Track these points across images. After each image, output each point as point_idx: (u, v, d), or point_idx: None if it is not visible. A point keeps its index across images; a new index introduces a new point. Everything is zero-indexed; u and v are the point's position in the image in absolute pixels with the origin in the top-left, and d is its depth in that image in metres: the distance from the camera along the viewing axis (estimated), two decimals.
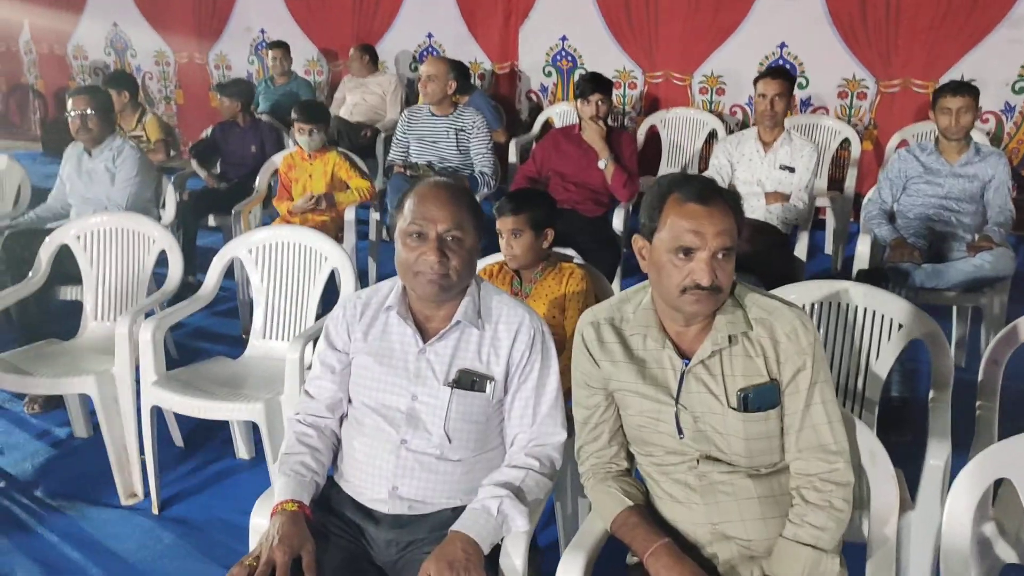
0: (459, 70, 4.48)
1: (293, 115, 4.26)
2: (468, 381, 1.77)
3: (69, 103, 3.75)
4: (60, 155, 8.31)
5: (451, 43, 6.74)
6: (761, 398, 1.58)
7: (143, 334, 2.74)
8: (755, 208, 3.85)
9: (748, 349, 1.60)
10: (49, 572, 2.53)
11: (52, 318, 3.52)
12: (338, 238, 4.17)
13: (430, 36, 6.85)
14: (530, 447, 1.79)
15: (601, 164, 4.13)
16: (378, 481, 1.78)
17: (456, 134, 4.44)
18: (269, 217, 4.95)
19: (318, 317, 2.97)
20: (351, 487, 1.84)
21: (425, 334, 1.82)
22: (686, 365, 1.62)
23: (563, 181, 4.34)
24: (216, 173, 5.05)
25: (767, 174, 3.93)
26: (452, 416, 1.77)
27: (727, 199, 1.58)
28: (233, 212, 4.28)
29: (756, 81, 3.95)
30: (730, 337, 1.60)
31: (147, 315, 2.90)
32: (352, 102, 6.46)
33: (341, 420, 1.91)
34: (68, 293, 3.51)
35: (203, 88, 7.77)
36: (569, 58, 6.40)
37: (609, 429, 1.75)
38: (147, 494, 2.88)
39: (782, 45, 5.73)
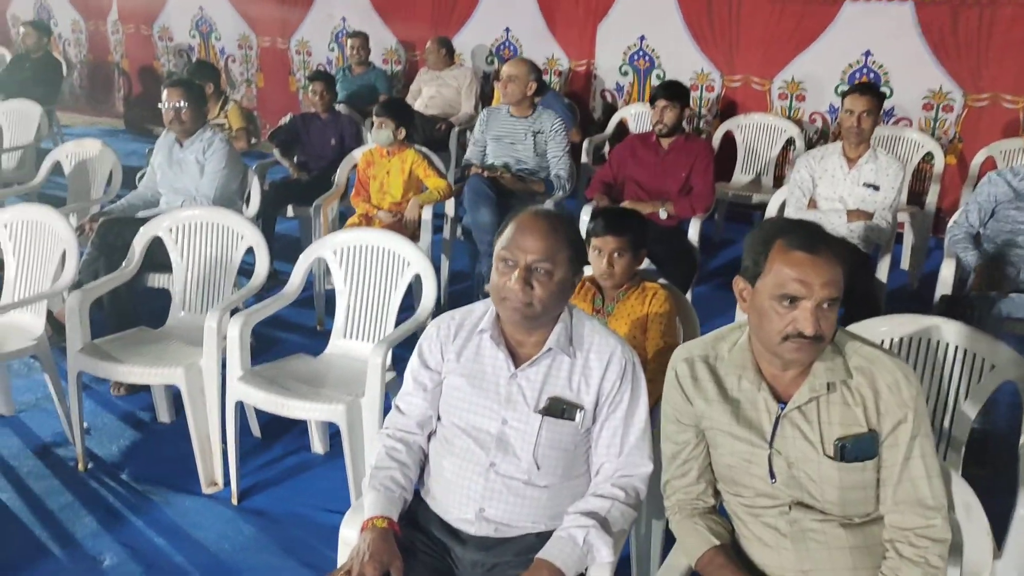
0: (536, 72, 4.48)
1: (375, 109, 4.31)
2: (558, 409, 1.80)
3: (164, 94, 3.86)
4: (141, 132, 8.68)
5: (528, 39, 6.74)
6: (859, 448, 1.57)
7: (231, 330, 2.82)
8: (836, 226, 3.78)
9: (847, 397, 1.59)
10: (136, 557, 2.63)
11: (141, 304, 3.63)
12: (414, 236, 4.23)
13: (507, 31, 6.86)
14: (616, 477, 1.81)
15: (662, 214, 4.13)
16: (466, 502, 1.82)
17: (534, 136, 4.45)
18: (346, 209, 5.03)
19: (398, 321, 3.02)
20: (438, 505, 1.88)
21: (517, 359, 1.84)
22: (782, 409, 1.62)
23: (638, 188, 4.34)
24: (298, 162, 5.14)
25: (850, 191, 3.86)
26: (541, 443, 1.80)
27: (834, 248, 1.56)
28: (313, 206, 4.36)
29: (844, 96, 3.88)
30: (828, 384, 1.59)
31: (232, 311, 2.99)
32: (428, 95, 6.51)
33: (429, 437, 1.95)
34: (156, 280, 3.62)
35: (283, 73, 7.91)
36: (646, 58, 6.35)
37: (698, 466, 1.76)
38: (227, 483, 2.98)
39: (867, 53, 5.59)
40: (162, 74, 8.54)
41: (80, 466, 3.09)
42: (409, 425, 1.94)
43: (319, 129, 5.09)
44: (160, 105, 3.87)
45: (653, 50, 6.31)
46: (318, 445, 3.22)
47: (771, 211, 4.16)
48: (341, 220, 4.96)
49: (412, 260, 2.99)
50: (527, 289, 1.73)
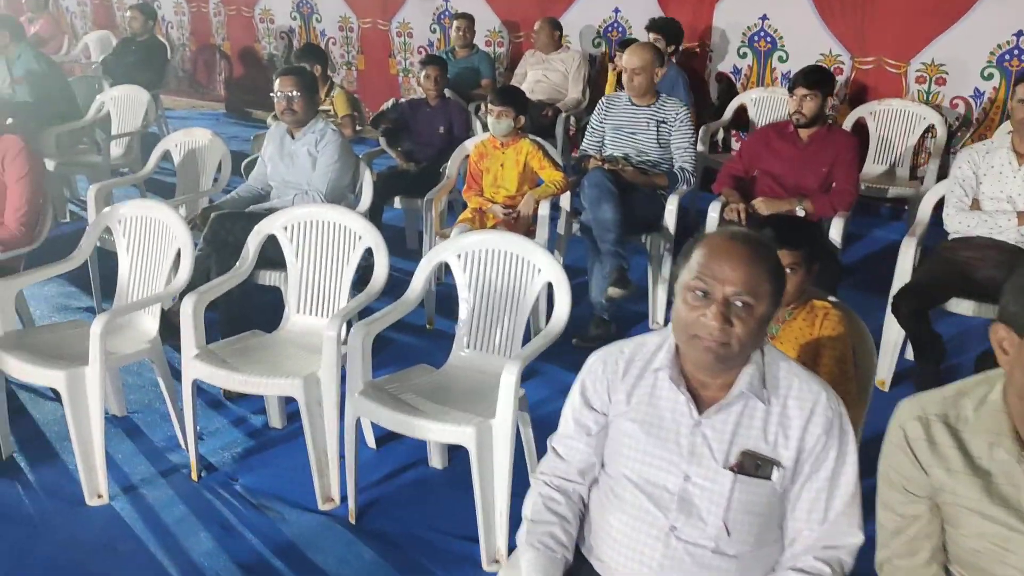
0: (661, 58, 4.17)
1: (489, 96, 4.08)
2: (752, 465, 1.54)
3: (276, 83, 3.71)
4: (241, 116, 8.67)
5: (639, 19, 6.38)
6: None
7: (352, 340, 2.65)
8: (1004, 229, 3.39)
9: None
10: None
11: (251, 301, 3.50)
12: (529, 232, 3.99)
13: (616, 11, 6.54)
14: (819, 549, 1.54)
15: (800, 212, 3.78)
16: (641, 569, 1.58)
17: (657, 126, 4.15)
18: (454, 201, 4.84)
19: (528, 331, 2.80)
20: (605, 568, 1.64)
21: (700, 403, 1.59)
22: None
23: (773, 182, 4.01)
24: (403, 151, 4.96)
25: (1020, 190, 3.46)
26: (734, 505, 1.54)
27: None
28: (424, 200, 4.16)
29: (1016, 85, 3.46)
30: None
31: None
32: (534, 79, 6.25)
33: (590, 485, 1.72)
34: (267, 278, 3.48)
35: (383, 54, 7.76)
36: (768, 39, 5.95)
37: (931, 546, 1.47)
38: (343, 499, 2.82)
39: (1019, 33, 5.09)
40: (262, 57, 8.50)
41: (193, 475, 2.97)
42: (569, 472, 1.71)
43: (427, 117, 4.89)
44: (272, 94, 3.71)
45: (775, 30, 5.91)
46: (436, 460, 3.04)
47: (926, 209, 3.77)
48: (450, 213, 4.78)
49: (544, 267, 2.75)
50: (726, 327, 1.47)
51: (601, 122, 4.32)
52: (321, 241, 3.13)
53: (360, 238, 3.06)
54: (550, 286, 2.74)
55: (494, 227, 3.99)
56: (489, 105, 4.05)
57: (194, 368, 2.83)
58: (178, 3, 8.83)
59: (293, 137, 3.79)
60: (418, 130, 4.91)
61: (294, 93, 3.68)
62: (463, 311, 2.91)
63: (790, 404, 1.55)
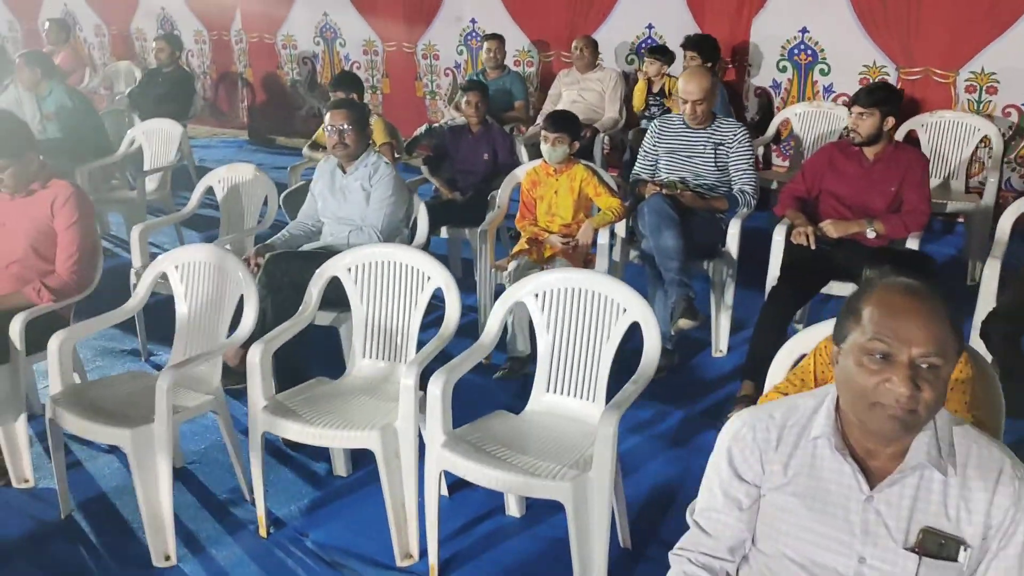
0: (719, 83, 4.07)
1: (542, 124, 3.96)
2: (936, 545, 1.39)
3: (327, 117, 3.60)
4: (264, 143, 8.58)
5: (674, 35, 6.27)
6: None
7: (432, 389, 2.51)
8: None
9: None
10: None
11: (308, 345, 3.37)
12: (587, 262, 3.87)
13: (650, 27, 6.44)
14: None
15: (870, 233, 3.64)
16: None
17: (715, 148, 4.03)
18: (501, 230, 4.71)
19: (613, 375, 2.66)
20: None
21: (869, 475, 1.45)
22: None
23: (838, 203, 3.86)
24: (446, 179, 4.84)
25: None
26: None
27: None
28: (479, 231, 4.03)
29: None
30: None
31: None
32: (569, 99, 6.14)
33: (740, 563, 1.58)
34: (323, 318, 3.35)
35: (409, 78, 7.66)
36: (808, 51, 5.83)
37: None
38: (422, 553, 2.69)
39: None
40: (285, 83, 8.42)
41: (262, 531, 2.84)
42: (717, 549, 1.57)
43: (470, 143, 4.78)
44: (323, 128, 3.60)
45: (816, 43, 5.79)
46: (514, 508, 2.90)
47: (1005, 226, 3.64)
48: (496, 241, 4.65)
49: (630, 306, 2.62)
50: (915, 393, 1.33)
51: (654, 146, 4.20)
52: (388, 282, 3.01)
53: (429, 278, 2.93)
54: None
55: (552, 257, 3.87)
56: (543, 132, 3.92)
57: (264, 421, 2.70)
58: (198, 31, 8.76)
59: (344, 171, 3.68)
60: (461, 157, 4.79)
61: (345, 126, 3.57)
62: (542, 353, 2.78)
63: (970, 473, 1.41)
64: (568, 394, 2.74)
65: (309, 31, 8.09)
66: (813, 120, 5.55)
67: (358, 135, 3.61)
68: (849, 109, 3.88)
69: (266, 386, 2.76)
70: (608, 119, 6.05)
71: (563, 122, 3.92)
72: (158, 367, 3.97)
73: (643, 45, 6.46)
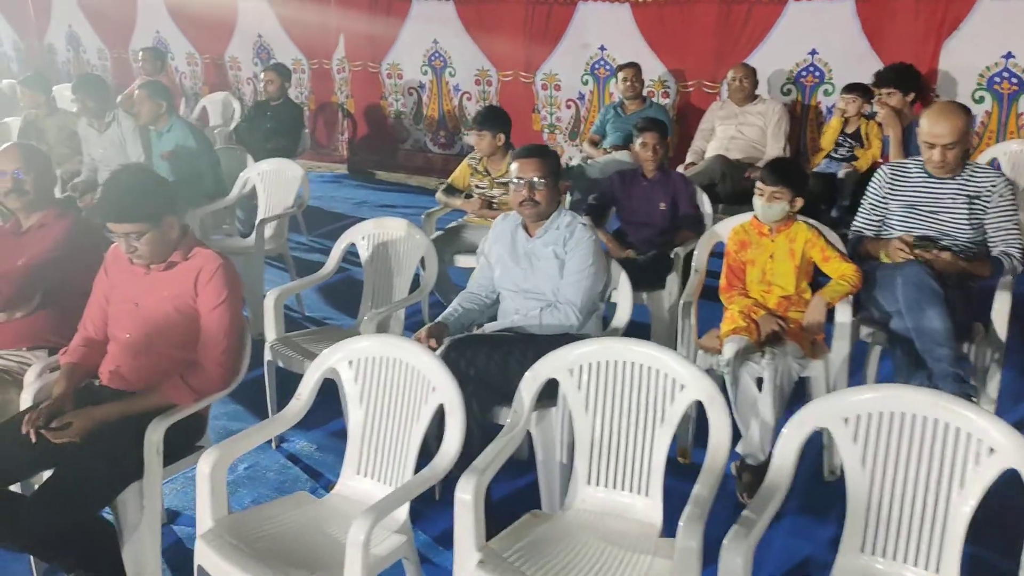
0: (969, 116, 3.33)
1: (760, 174, 3.26)
2: None
3: (514, 168, 2.97)
4: (365, 179, 8.03)
5: (842, 61, 5.57)
6: None
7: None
8: None
9: None
10: None
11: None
12: (816, 345, 3.13)
13: (813, 53, 5.70)
14: None
15: None
16: None
17: (969, 202, 3.27)
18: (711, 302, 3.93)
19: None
20: None
21: None
22: None
23: None
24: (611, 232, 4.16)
25: None
26: None
27: None
28: (681, 304, 3.31)
29: None
30: None
31: None
32: (726, 135, 5.44)
33: None
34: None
35: (526, 110, 7.04)
36: (1013, 79, 5.05)
37: None
38: None
39: None
40: (389, 114, 7.88)
41: None
42: None
43: (644, 191, 4.08)
44: (510, 182, 2.97)
45: (1021, 68, 5.00)
46: None
47: None
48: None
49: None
50: None
51: (883, 198, 3.46)
52: (630, 386, 2.32)
53: (683, 387, 2.23)
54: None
55: (777, 338, 3.13)
56: (759, 184, 3.22)
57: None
58: (297, 60, 8.27)
59: (531, 234, 3.03)
60: (632, 207, 4.10)
61: (536, 179, 2.92)
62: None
63: None
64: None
65: (417, 59, 7.53)
66: None
67: (551, 191, 2.96)
68: None
69: (479, 531, 2.09)
70: (771, 157, 5.30)
71: (784, 173, 3.21)
72: (293, 458, 3.35)
73: (804, 73, 5.74)
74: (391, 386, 2.39)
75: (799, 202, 3.23)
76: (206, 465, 2.22)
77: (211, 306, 2.56)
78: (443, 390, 2.25)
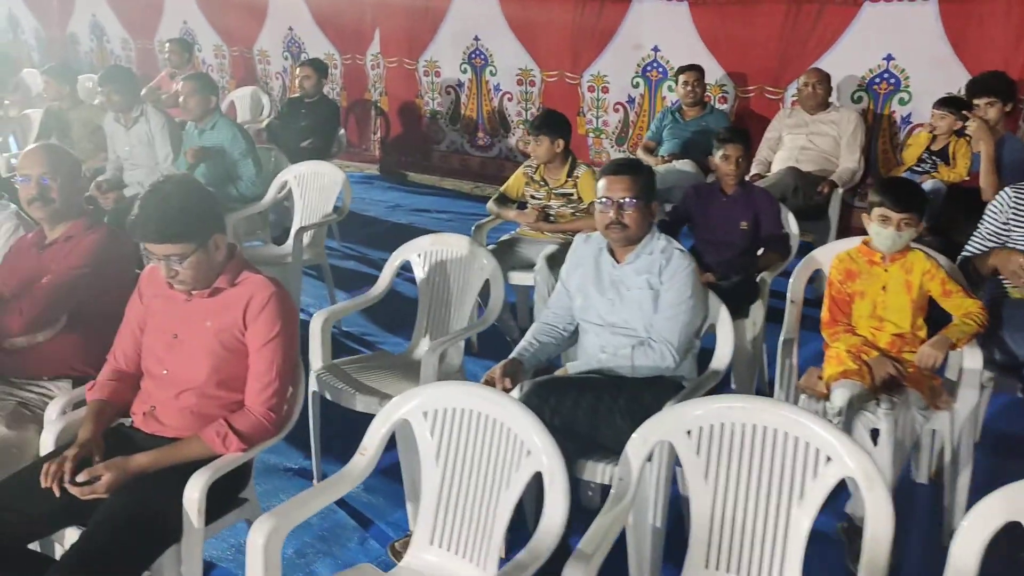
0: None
1: (882, 197, 2.83)
2: None
3: (600, 185, 2.61)
4: (398, 180, 7.68)
5: (919, 64, 5.17)
6: None
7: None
8: None
9: None
10: None
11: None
12: (934, 391, 2.76)
13: (889, 59, 5.30)
14: None
15: None
16: None
17: None
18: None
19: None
20: None
21: None
22: None
23: None
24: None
25: None
26: None
27: None
28: (781, 340, 2.94)
29: None
30: None
31: None
32: (796, 145, 5.06)
33: None
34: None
35: (571, 112, 6.64)
36: None
37: None
38: None
39: None
40: (424, 114, 7.52)
41: None
42: None
43: (723, 208, 3.70)
44: (596, 202, 2.60)
45: None
46: None
47: None
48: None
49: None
50: None
51: (1005, 223, 3.08)
52: (760, 455, 1.96)
53: (828, 459, 1.86)
54: None
55: (896, 385, 2.76)
56: (882, 210, 2.82)
57: None
58: (329, 54, 7.92)
59: (618, 260, 2.66)
60: (709, 226, 3.72)
61: (627, 200, 2.56)
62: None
63: None
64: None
65: (456, 57, 7.17)
66: None
67: (642, 213, 2.60)
68: None
69: None
70: (845, 170, 4.93)
71: (912, 196, 2.83)
72: (356, 514, 2.97)
73: (877, 80, 5.35)
74: (476, 444, 2.03)
75: (923, 228, 2.86)
76: (260, 536, 1.88)
77: (262, 341, 2.21)
78: (541, 456, 1.90)
